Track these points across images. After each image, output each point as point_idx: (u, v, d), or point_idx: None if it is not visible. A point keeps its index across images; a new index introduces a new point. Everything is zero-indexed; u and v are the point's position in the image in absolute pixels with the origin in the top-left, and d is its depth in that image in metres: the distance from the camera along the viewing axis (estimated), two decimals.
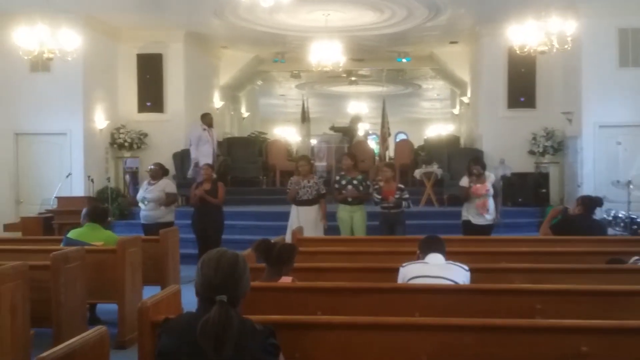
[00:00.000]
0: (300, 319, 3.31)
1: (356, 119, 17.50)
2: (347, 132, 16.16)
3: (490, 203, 7.98)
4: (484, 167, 8.13)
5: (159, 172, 8.81)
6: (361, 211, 8.49)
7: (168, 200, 8.67)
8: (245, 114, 19.95)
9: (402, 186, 8.52)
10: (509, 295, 3.98)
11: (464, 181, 8.10)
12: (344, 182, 8.51)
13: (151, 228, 8.43)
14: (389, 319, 3.24)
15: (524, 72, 12.40)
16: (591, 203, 7.05)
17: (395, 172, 8.77)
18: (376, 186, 8.51)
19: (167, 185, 8.79)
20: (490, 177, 8.18)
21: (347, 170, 8.64)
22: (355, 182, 8.46)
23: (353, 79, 19.85)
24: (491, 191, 8.01)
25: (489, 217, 7.96)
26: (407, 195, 8.38)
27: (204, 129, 11.76)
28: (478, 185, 7.92)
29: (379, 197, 8.33)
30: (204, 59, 14.59)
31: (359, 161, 9.22)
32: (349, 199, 8.41)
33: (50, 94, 11.41)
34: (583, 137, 11.18)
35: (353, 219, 8.41)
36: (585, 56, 11.14)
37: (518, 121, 12.52)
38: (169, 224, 8.40)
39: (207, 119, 11.89)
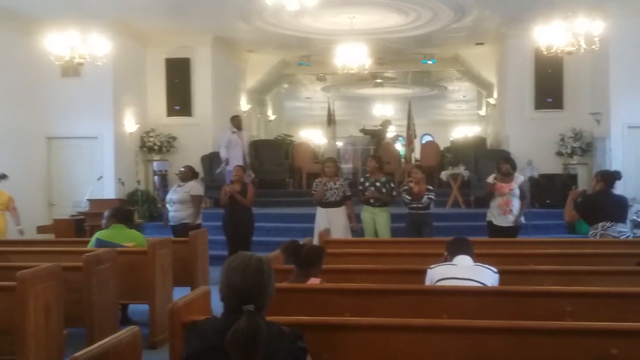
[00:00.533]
0: (328, 320, 3.32)
1: (387, 123, 17.47)
2: (376, 135, 16.14)
3: (515, 204, 7.93)
4: (514, 167, 8.08)
5: (189, 174, 8.94)
6: (384, 213, 8.49)
7: (196, 204, 8.77)
8: (272, 117, 20.06)
9: (431, 187, 8.55)
10: (538, 297, 3.96)
11: (490, 178, 8.10)
12: (367, 184, 8.54)
13: (178, 229, 8.58)
14: (417, 320, 3.24)
15: (551, 72, 12.30)
16: (611, 177, 6.96)
17: (424, 174, 8.79)
18: (405, 187, 8.53)
19: (193, 187, 8.87)
20: (519, 178, 8.11)
21: (371, 172, 8.67)
22: (378, 184, 8.48)
23: (378, 81, 19.84)
24: (516, 191, 7.94)
25: (511, 218, 7.91)
26: (432, 196, 8.40)
27: (233, 132, 11.80)
28: (502, 184, 7.90)
29: (409, 197, 8.34)
30: (230, 63, 14.72)
31: (384, 163, 9.24)
32: (371, 201, 8.44)
33: (81, 98, 11.62)
34: (612, 138, 11.05)
35: (375, 220, 8.43)
36: (613, 56, 11.01)
37: (545, 122, 12.41)
38: (197, 226, 8.51)
39: (235, 121, 11.94)
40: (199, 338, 2.55)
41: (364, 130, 16.90)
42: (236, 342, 2.37)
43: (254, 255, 2.64)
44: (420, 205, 8.30)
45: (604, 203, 6.77)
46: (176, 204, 8.74)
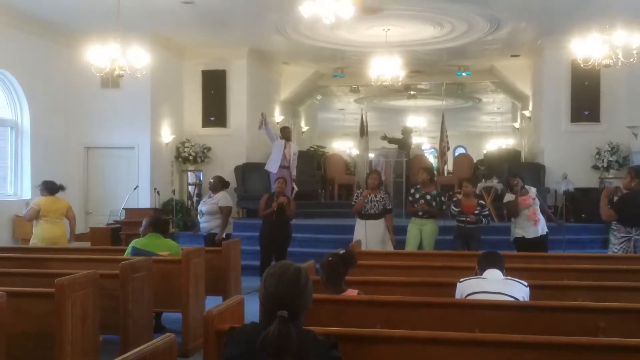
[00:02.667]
0: (360, 332, 3.33)
1: (408, 130, 17.23)
2: (400, 144, 16.04)
3: (539, 213, 7.97)
4: (523, 180, 8.25)
5: (219, 184, 8.98)
6: (431, 225, 8.48)
7: (223, 216, 8.74)
8: (305, 128, 20.16)
9: (483, 202, 8.54)
10: (572, 312, 3.93)
11: (509, 197, 8.21)
12: (417, 195, 8.54)
13: (207, 239, 8.71)
14: (450, 333, 3.24)
15: (588, 85, 12.14)
16: None
17: (475, 188, 8.83)
18: (454, 199, 8.53)
19: (222, 198, 8.86)
20: (532, 189, 8.27)
21: (422, 184, 8.67)
22: (428, 197, 8.48)
23: (412, 93, 19.80)
24: (537, 200, 8.02)
25: (540, 228, 7.92)
26: (487, 212, 8.40)
27: (281, 139, 11.94)
28: (524, 197, 7.99)
29: (457, 209, 8.33)
30: (265, 75, 14.88)
31: (434, 176, 9.25)
32: (420, 213, 8.46)
33: (120, 109, 11.87)
34: None
35: (422, 232, 8.43)
36: None
37: (581, 135, 12.26)
38: (225, 238, 8.51)
39: (282, 132, 12.05)
40: (236, 343, 2.63)
41: (385, 137, 16.66)
42: (266, 346, 2.44)
43: (293, 264, 2.73)
44: (468, 219, 8.28)
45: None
46: (205, 215, 8.83)
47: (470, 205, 8.37)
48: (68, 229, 8.67)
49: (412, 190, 8.82)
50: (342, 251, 4.42)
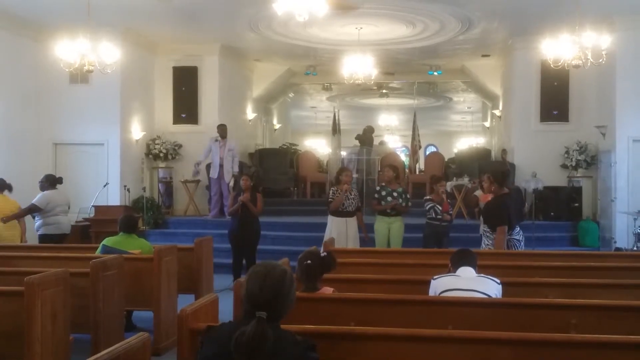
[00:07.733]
0: (334, 329, 3.33)
1: (369, 130, 17.18)
2: (363, 141, 16.05)
3: None
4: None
5: (45, 183, 8.67)
6: (399, 222, 8.55)
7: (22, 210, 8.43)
8: (277, 126, 20.13)
9: (449, 201, 8.65)
10: (543, 309, 3.98)
11: (478, 192, 8.31)
12: (384, 193, 8.58)
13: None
14: (423, 331, 3.25)
15: (557, 85, 12.32)
16: (504, 178, 6.91)
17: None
18: (428, 197, 8.58)
19: (38, 196, 8.55)
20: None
21: (388, 181, 8.71)
22: (395, 194, 8.53)
23: (384, 91, 19.88)
24: None
25: None
26: (451, 210, 8.50)
27: (216, 140, 11.99)
28: (487, 195, 8.06)
29: (440, 208, 8.34)
30: (237, 72, 14.79)
31: (400, 173, 9.31)
32: (388, 210, 8.48)
33: (89, 105, 11.70)
34: (617, 151, 11.04)
35: (390, 230, 8.48)
36: (619, 70, 11.02)
37: (551, 134, 12.44)
38: (42, 237, 8.37)
39: (218, 130, 12.08)
40: (213, 342, 2.60)
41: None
42: (240, 346, 2.41)
43: (279, 265, 2.67)
44: (445, 218, 8.34)
45: (513, 204, 6.78)
46: None
47: (446, 204, 8.45)
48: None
49: (378, 188, 8.88)
50: (323, 253, 4.38)
